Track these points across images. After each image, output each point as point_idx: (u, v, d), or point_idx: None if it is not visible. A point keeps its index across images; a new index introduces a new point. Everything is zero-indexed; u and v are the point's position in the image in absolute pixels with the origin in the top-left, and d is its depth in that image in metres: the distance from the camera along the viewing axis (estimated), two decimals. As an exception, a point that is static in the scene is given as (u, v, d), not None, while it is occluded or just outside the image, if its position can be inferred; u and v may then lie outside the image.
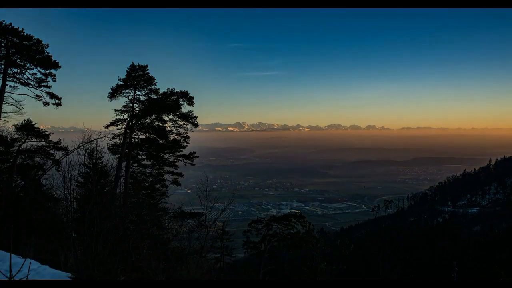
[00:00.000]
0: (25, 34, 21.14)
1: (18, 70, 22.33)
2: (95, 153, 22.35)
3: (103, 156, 23.26)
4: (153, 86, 26.16)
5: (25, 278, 6.44)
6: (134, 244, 16.22)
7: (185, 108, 26.20)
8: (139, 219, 18.06)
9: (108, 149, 25.95)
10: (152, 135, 27.06)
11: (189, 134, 27.00)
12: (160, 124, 26.68)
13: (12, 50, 21.55)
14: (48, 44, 21.90)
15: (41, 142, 23.38)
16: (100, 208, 15.10)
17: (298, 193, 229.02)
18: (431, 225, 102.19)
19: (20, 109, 22.85)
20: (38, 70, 22.43)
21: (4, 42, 21.33)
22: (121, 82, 25.55)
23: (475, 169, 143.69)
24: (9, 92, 22.43)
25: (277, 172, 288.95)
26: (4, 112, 22.45)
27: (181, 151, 27.30)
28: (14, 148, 22.82)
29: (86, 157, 21.83)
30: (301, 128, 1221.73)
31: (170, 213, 25.44)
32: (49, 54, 21.98)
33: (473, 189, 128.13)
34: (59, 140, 23.55)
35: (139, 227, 18.02)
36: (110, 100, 25.92)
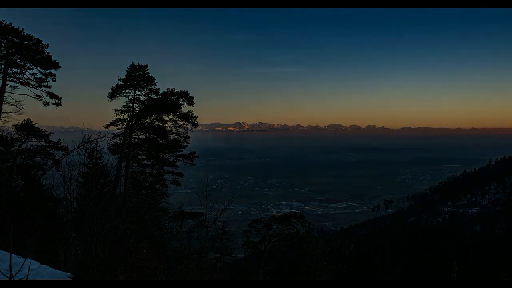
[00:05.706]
0: (25, 34, 21.17)
1: (18, 70, 22.38)
2: (95, 153, 22.39)
3: (103, 156, 23.35)
4: (153, 86, 26.24)
5: (25, 278, 6.44)
6: (134, 244, 16.23)
7: (185, 108, 26.34)
8: (139, 219, 18.07)
9: (108, 149, 26.01)
10: (152, 135, 27.10)
11: (189, 134, 27.08)
12: (160, 124, 26.72)
13: (12, 50, 21.58)
14: (48, 44, 21.97)
15: (41, 142, 23.42)
16: (100, 208, 15.13)
17: (298, 193, 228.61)
18: (431, 225, 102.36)
19: (20, 109, 22.93)
20: (38, 70, 22.49)
21: (4, 42, 21.35)
22: (121, 82, 25.62)
23: (475, 169, 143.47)
24: (9, 92, 22.50)
25: (277, 172, 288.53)
26: (4, 112, 22.48)
27: (181, 151, 27.35)
28: (14, 148, 22.85)
29: (86, 157, 21.89)
30: (301, 128, 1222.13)
31: (170, 213, 25.47)
32: (49, 54, 22.05)
33: (473, 189, 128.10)
34: (59, 140, 23.63)
35: (139, 227, 18.04)
36: (110, 100, 26.02)
